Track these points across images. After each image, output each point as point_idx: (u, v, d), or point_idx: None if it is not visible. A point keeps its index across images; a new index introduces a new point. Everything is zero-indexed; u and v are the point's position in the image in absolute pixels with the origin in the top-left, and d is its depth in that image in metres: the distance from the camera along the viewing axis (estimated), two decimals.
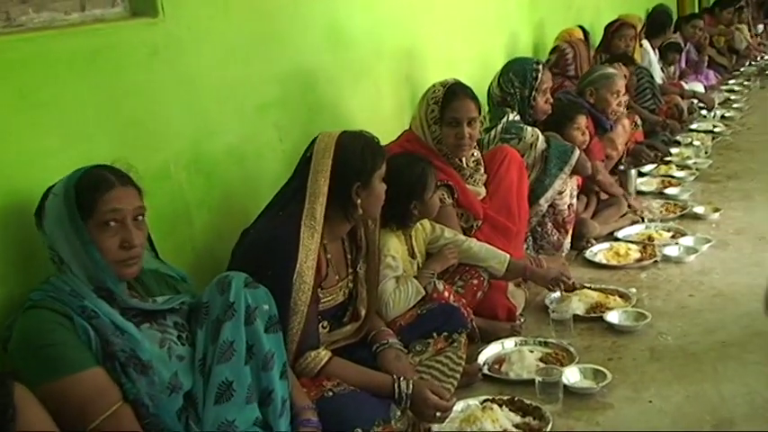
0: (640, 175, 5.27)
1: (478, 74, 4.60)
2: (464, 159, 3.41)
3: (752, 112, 7.38)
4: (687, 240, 3.98)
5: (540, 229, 3.85)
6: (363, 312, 2.67)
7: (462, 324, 2.80)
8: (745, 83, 8.78)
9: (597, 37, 7.42)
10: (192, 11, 2.74)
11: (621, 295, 3.42)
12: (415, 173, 2.95)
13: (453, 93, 3.26)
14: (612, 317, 3.18)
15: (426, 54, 4.32)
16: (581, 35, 5.74)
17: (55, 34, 2.28)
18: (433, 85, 3.33)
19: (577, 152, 3.80)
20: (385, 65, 3.94)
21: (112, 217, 1.94)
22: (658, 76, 7.10)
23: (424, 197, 2.98)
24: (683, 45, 7.62)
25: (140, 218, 2.02)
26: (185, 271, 2.63)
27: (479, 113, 3.31)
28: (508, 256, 3.15)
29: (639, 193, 4.89)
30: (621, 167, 4.91)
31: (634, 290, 3.47)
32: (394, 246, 2.92)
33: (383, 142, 3.42)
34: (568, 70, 5.22)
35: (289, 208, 2.51)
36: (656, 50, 7.21)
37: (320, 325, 2.55)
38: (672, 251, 3.85)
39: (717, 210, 4.43)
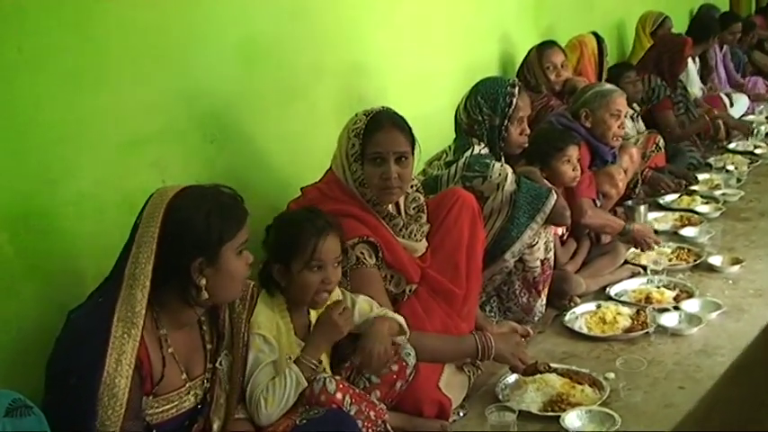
0: (659, 207, 4.53)
1: (462, 91, 3.89)
2: (400, 206, 2.75)
3: None
4: (692, 305, 3.21)
5: (506, 289, 3.15)
6: (217, 426, 2.04)
7: None
8: None
9: (628, 42, 6.66)
10: (24, 26, 2.17)
11: (593, 383, 2.71)
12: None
13: (377, 123, 2.58)
14: (571, 420, 2.47)
15: (387, 69, 3.63)
16: (593, 43, 4.97)
17: None
18: (356, 115, 2.66)
19: (554, 198, 3.06)
20: (326, 84, 3.27)
21: None
22: (697, 88, 6.31)
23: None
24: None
25: None
26: (7, 357, 2.10)
27: (413, 148, 2.63)
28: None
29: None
30: (630, 201, 4.17)
31: (612, 375, 2.74)
32: (265, 321, 2.23)
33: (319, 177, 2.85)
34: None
35: (108, 291, 1.91)
36: (696, 59, 6.39)
37: None
38: (670, 320, 3.09)
39: (737, 262, 3.64)
